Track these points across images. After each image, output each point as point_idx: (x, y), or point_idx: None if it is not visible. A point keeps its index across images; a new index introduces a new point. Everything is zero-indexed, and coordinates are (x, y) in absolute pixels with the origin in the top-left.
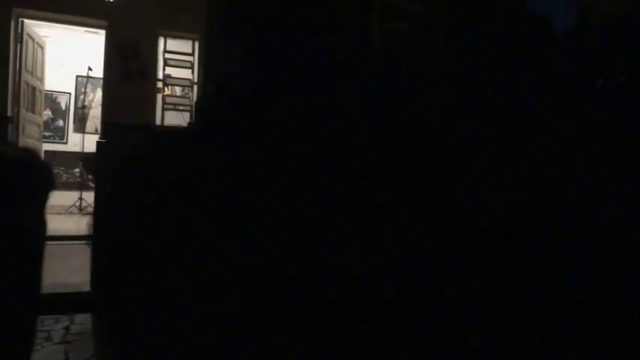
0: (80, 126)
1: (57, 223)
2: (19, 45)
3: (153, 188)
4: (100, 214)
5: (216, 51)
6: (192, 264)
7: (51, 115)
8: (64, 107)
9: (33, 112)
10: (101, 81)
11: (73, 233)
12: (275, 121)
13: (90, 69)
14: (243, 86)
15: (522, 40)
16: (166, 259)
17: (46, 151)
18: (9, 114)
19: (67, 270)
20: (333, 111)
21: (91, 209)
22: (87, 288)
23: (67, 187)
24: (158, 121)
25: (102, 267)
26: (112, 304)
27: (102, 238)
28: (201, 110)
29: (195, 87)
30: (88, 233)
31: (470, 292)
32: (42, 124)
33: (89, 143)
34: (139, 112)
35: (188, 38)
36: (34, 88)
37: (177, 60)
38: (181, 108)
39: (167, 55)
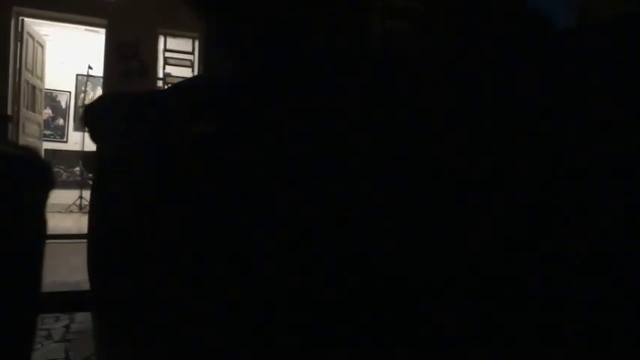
0: (80, 125)
1: (57, 222)
2: (19, 44)
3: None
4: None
5: (215, 49)
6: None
7: (51, 114)
8: (64, 106)
9: (33, 110)
10: (101, 80)
11: (74, 232)
12: (272, 119)
13: (90, 67)
14: (240, 83)
15: (522, 39)
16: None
17: (46, 150)
18: (9, 112)
19: (67, 268)
20: (332, 111)
21: None
22: (87, 286)
23: (67, 185)
24: None
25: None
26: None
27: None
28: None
29: None
30: None
31: (468, 292)
32: (42, 122)
33: (89, 142)
34: None
35: (188, 37)
36: (34, 87)
37: (177, 59)
38: None
39: (167, 54)
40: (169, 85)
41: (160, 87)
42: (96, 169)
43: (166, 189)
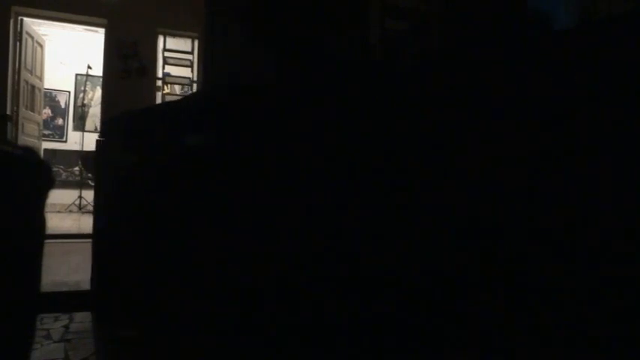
0: (80, 124)
1: (57, 222)
2: (18, 43)
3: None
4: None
5: (215, 49)
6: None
7: (50, 114)
8: (63, 106)
9: (32, 110)
10: (100, 79)
11: (73, 232)
12: (274, 117)
13: (89, 67)
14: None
15: (522, 37)
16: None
17: (45, 150)
18: (8, 112)
19: (67, 268)
20: (332, 109)
21: (90, 208)
22: (86, 286)
23: (67, 185)
24: None
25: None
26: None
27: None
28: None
29: (195, 85)
30: None
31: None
32: (41, 122)
33: (89, 141)
34: None
35: (187, 37)
36: (33, 87)
37: (176, 58)
38: None
39: (166, 54)
40: (168, 85)
41: (159, 86)
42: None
43: (169, 197)
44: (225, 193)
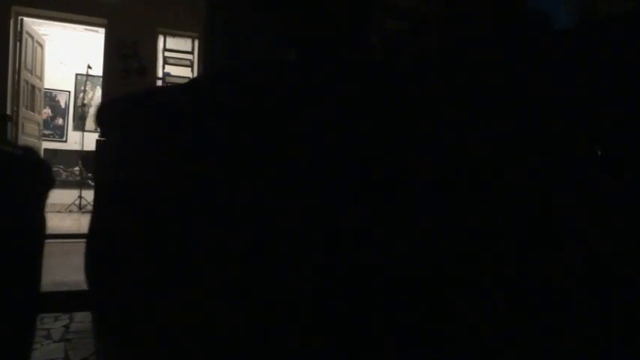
0: (80, 124)
1: (56, 222)
2: (18, 43)
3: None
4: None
5: (215, 49)
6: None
7: (50, 114)
8: (63, 105)
9: (32, 110)
10: (100, 79)
11: (73, 231)
12: (273, 119)
13: (89, 67)
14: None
15: (522, 39)
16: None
17: (45, 150)
18: (8, 112)
19: (67, 268)
20: (332, 111)
21: (90, 208)
22: (86, 286)
23: (67, 185)
24: None
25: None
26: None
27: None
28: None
29: None
30: None
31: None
32: (41, 122)
33: (89, 141)
34: None
35: (187, 36)
36: (33, 87)
37: (176, 58)
38: None
39: (167, 54)
40: (169, 84)
41: (159, 86)
42: (101, 166)
43: (173, 185)
44: (233, 190)
